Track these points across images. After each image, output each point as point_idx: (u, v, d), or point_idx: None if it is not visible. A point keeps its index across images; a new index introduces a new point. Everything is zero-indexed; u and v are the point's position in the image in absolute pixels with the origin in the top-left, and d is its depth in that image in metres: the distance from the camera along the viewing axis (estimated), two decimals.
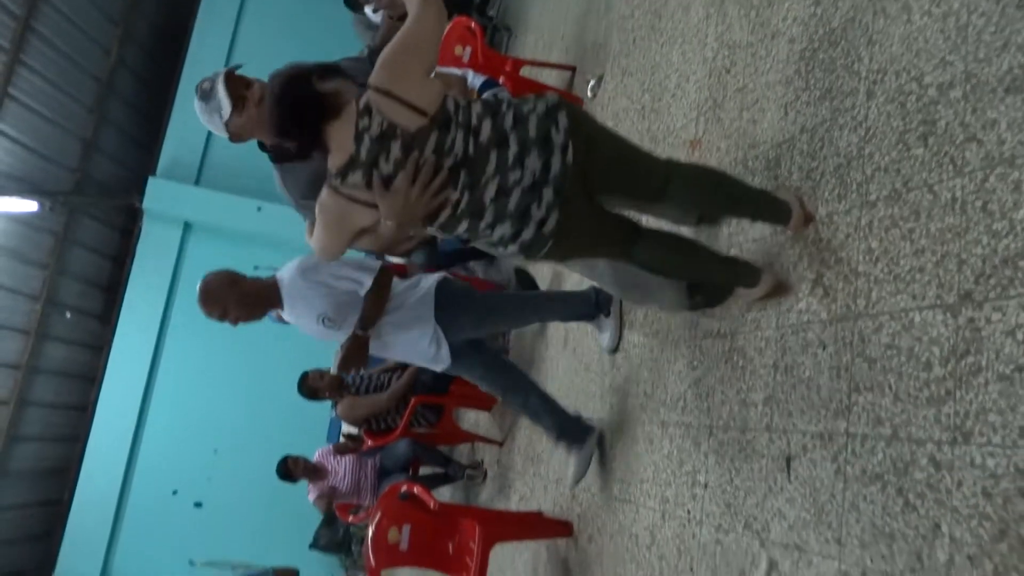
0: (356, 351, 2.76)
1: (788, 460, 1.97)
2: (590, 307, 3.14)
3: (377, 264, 2.83)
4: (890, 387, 1.69)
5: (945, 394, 1.55)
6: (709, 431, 2.36)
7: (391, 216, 1.84)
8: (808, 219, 2.07)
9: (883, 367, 1.72)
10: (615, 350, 3.12)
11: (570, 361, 3.68)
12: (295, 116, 1.84)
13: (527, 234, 1.90)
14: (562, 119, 1.87)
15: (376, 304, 2.76)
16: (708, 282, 2.40)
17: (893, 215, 1.79)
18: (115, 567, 8.18)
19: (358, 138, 1.80)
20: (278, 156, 2.23)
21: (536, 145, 1.85)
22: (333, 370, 3.31)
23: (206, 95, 2.13)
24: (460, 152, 1.84)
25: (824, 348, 1.92)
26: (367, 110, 1.81)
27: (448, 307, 2.85)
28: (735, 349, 2.31)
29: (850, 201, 1.94)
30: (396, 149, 1.81)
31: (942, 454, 1.53)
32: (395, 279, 2.89)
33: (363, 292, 2.74)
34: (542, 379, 3.99)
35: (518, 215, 1.87)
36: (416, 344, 2.88)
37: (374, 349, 2.87)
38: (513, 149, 1.85)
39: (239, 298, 2.66)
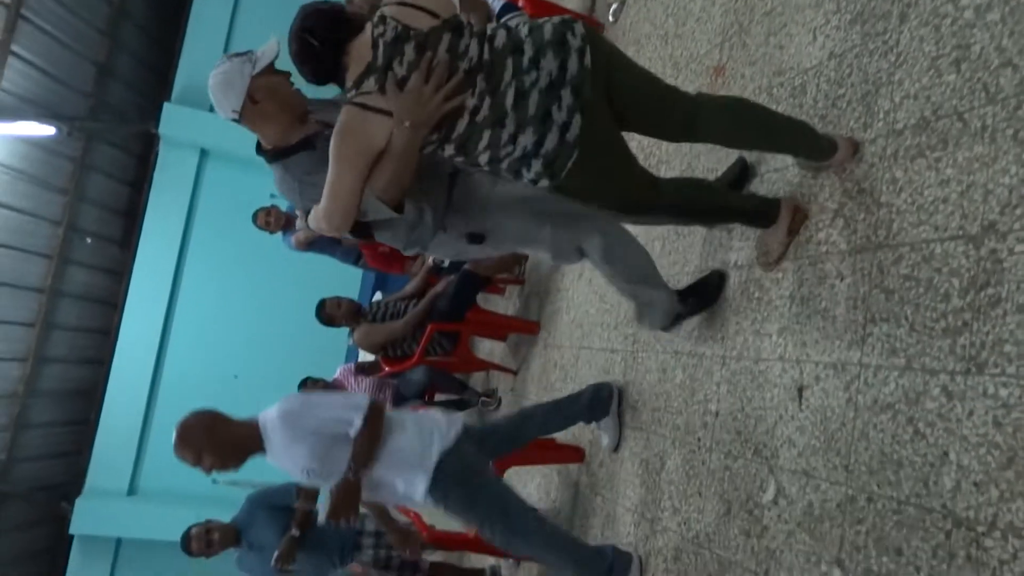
0: (347, 497, 2.43)
1: (800, 390, 1.99)
2: (587, 412, 2.98)
3: (366, 402, 2.50)
4: (906, 318, 1.69)
5: (962, 325, 1.55)
6: (723, 361, 2.38)
7: (405, 115, 1.80)
8: (854, 151, 1.95)
9: (900, 298, 1.71)
10: (616, 449, 3.00)
11: (586, 293, 3.70)
12: (326, 29, 1.84)
13: (550, 141, 1.84)
14: (578, 28, 1.85)
15: (368, 445, 2.43)
16: (700, 282, 2.47)
17: (920, 144, 1.75)
18: (142, 483, 8.50)
19: (374, 45, 1.81)
20: (276, 155, 2.18)
21: (551, 47, 1.82)
22: (321, 519, 3.11)
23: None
24: (475, 57, 1.82)
25: (842, 279, 1.91)
26: (382, 19, 1.83)
27: (447, 477, 2.46)
28: (751, 280, 2.31)
29: (876, 130, 1.90)
30: (409, 51, 1.81)
31: (955, 384, 1.54)
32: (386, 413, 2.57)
33: (353, 433, 2.42)
34: (558, 308, 4.02)
35: (539, 118, 1.82)
36: (410, 486, 2.50)
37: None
38: (528, 52, 1.82)
39: (215, 446, 2.48)
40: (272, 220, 5.12)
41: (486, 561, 4.23)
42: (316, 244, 5.02)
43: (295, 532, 3.84)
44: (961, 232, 1.59)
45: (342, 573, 3.11)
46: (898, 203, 1.78)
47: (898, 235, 1.76)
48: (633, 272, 2.36)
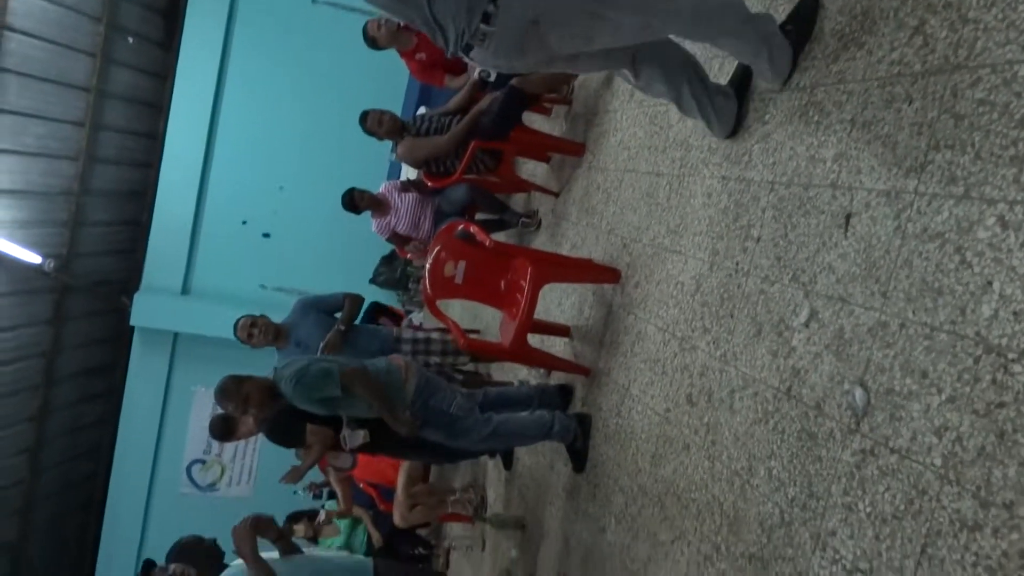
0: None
1: (848, 217, 1.96)
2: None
3: None
4: (973, 145, 1.62)
5: None
6: (771, 186, 2.33)
7: None
8: None
9: (970, 124, 1.63)
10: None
11: (635, 114, 3.59)
12: None
13: None
14: None
15: None
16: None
17: None
18: (194, 284, 8.96)
19: None
20: None
21: None
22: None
23: None
24: None
25: (910, 103, 1.82)
26: None
27: None
28: (812, 104, 2.21)
29: None
30: None
31: (1012, 214, 1.50)
32: None
33: None
34: (605, 130, 3.93)
35: None
36: None
37: None
38: None
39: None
40: None
41: (517, 374, 4.47)
42: None
43: (341, 327, 4.08)
44: None
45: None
46: (987, 19, 1.64)
47: (980, 55, 1.65)
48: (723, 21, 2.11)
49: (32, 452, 7.77)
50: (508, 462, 4.38)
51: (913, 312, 1.69)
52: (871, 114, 1.95)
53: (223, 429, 3.61)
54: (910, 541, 1.59)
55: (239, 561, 2.88)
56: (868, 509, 1.72)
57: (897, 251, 1.77)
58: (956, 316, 1.58)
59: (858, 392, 1.80)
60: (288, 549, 3.04)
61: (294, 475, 3.67)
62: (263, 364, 3.76)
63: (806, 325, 2.04)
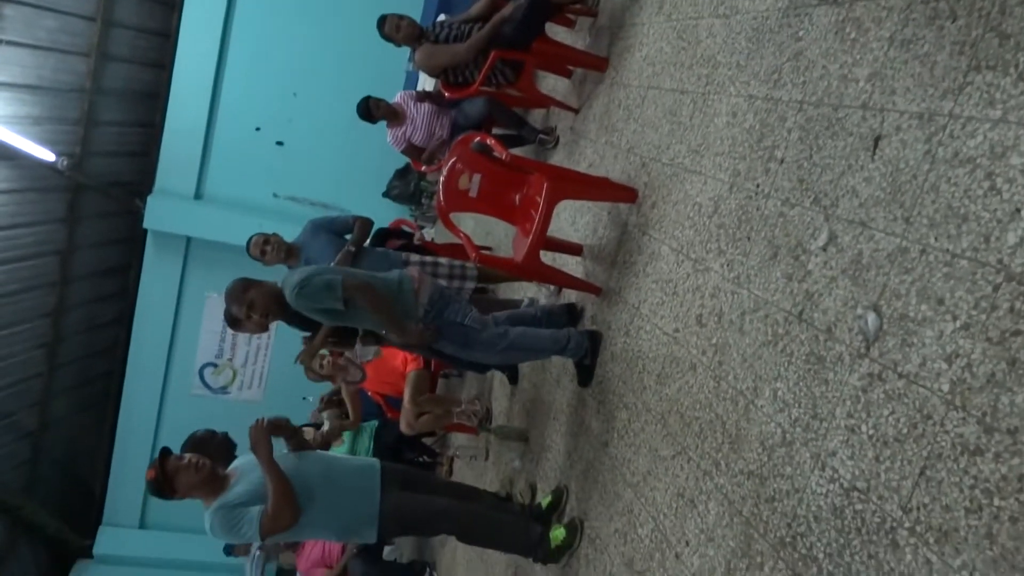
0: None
1: (877, 139, 1.91)
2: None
3: None
4: (1016, 67, 1.55)
5: None
6: (799, 106, 2.27)
7: None
8: None
9: (1016, 43, 1.56)
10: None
11: (663, 27, 3.46)
12: None
13: None
14: None
15: None
16: None
17: None
18: (207, 189, 8.93)
19: None
20: None
21: None
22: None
23: None
24: None
25: (955, 20, 1.74)
26: None
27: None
28: (850, 19, 2.12)
29: None
30: None
31: None
32: None
33: None
34: (630, 44, 3.81)
35: None
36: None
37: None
38: None
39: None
40: None
41: (526, 293, 4.48)
42: None
43: (351, 248, 4.08)
44: None
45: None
46: None
47: None
48: None
49: (50, 347, 7.94)
50: (514, 378, 4.45)
51: (935, 238, 1.67)
52: (911, 32, 1.87)
53: (232, 320, 3.68)
54: (910, 463, 1.61)
55: (250, 455, 2.97)
56: (871, 432, 1.74)
57: (925, 175, 1.73)
58: (979, 243, 1.55)
59: (871, 317, 1.79)
60: (300, 447, 3.13)
61: (307, 353, 3.75)
62: (275, 276, 3.77)
63: (824, 249, 2.02)
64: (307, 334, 3.89)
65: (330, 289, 3.03)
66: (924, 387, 1.62)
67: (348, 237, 4.17)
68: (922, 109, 1.78)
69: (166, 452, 2.91)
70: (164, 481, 2.82)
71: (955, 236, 1.61)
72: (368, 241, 4.31)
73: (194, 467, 2.84)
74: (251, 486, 2.90)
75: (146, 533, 9.49)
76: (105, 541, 9.25)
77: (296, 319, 3.61)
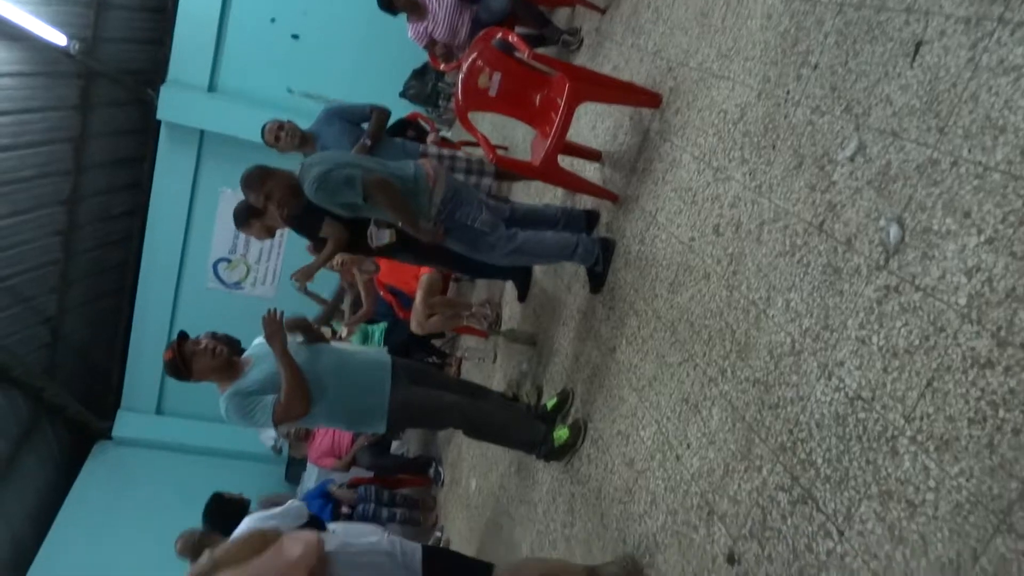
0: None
1: (918, 45, 1.83)
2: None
3: None
4: None
5: None
6: (839, 8, 2.17)
7: None
8: None
9: None
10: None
11: None
12: None
13: None
14: None
15: None
16: None
17: None
18: (221, 81, 8.75)
19: None
20: None
21: None
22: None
23: None
24: None
25: None
26: None
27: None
28: None
29: None
30: None
31: None
32: None
33: None
34: None
35: None
36: None
37: None
38: None
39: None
40: None
41: (542, 198, 4.43)
42: None
43: (367, 141, 4.02)
44: None
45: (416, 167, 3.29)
46: None
47: None
48: None
49: (65, 235, 8.00)
50: (523, 293, 4.45)
51: (969, 150, 1.62)
52: None
53: (243, 217, 3.67)
54: (917, 375, 1.63)
55: (260, 339, 3.03)
56: (881, 343, 1.74)
57: (965, 84, 1.67)
58: (1015, 156, 1.51)
59: (893, 229, 1.77)
60: (315, 339, 3.18)
61: (304, 272, 3.77)
62: (290, 165, 3.74)
63: (851, 159, 1.98)
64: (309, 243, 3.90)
65: (350, 183, 3.02)
66: (941, 300, 1.61)
67: (364, 126, 4.10)
68: (970, 13, 1.70)
69: (183, 336, 2.96)
70: (181, 363, 2.89)
71: (990, 148, 1.57)
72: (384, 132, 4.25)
73: (211, 352, 2.90)
74: (265, 374, 2.97)
75: (162, 419, 9.82)
76: (123, 425, 9.60)
77: (297, 223, 3.61)
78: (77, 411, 8.99)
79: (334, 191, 3.05)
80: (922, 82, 1.79)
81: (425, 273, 4.99)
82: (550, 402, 3.51)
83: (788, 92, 2.33)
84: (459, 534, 4.91)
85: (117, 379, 9.75)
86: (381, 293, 5.48)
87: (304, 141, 4.14)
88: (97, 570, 7.80)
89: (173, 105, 8.42)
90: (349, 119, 4.17)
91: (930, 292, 1.64)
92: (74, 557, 7.87)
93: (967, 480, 1.45)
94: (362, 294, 5.42)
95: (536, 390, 3.86)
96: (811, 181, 2.12)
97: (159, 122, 8.63)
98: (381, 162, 3.26)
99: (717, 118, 2.74)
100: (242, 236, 9.41)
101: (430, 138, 5.34)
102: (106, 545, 8.05)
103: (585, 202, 3.82)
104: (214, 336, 3.05)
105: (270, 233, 3.76)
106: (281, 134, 4.11)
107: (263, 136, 4.18)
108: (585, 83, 3.33)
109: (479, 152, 4.12)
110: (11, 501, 7.75)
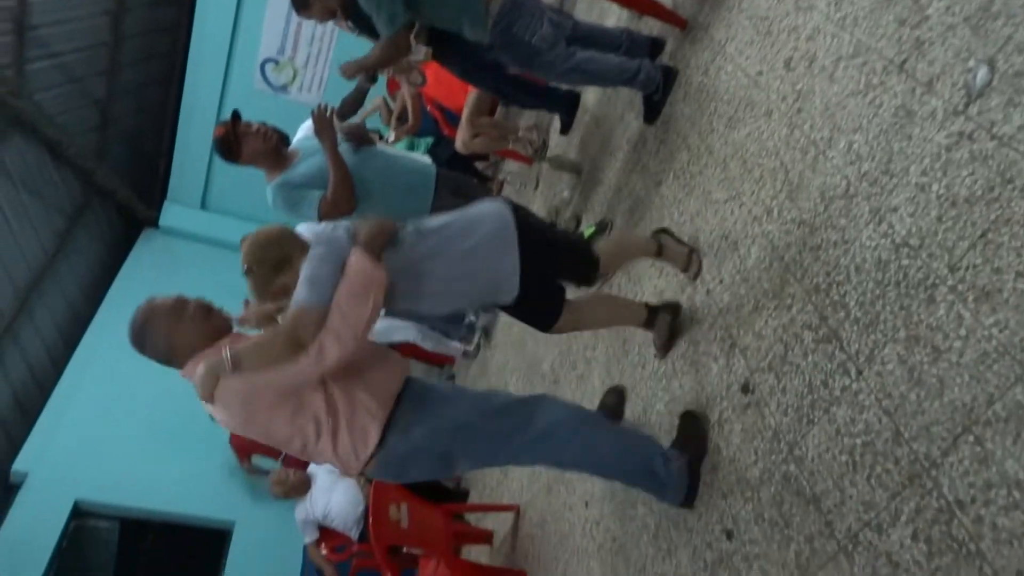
0: None
1: None
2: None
3: None
4: None
5: None
6: None
7: None
8: None
9: None
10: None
11: None
12: None
13: None
14: None
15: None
16: None
17: None
18: None
19: None
20: None
21: None
22: None
23: None
24: None
25: None
26: None
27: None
28: None
29: None
30: None
31: None
32: None
33: None
34: None
35: None
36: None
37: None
38: None
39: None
40: None
41: (605, 21, 4.18)
42: None
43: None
44: None
45: None
46: None
47: None
48: None
49: (114, 15, 7.85)
50: (567, 125, 4.29)
51: None
52: None
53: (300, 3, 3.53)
54: (972, 225, 1.59)
55: (305, 134, 3.03)
56: (942, 191, 1.69)
57: None
58: None
59: (982, 71, 1.65)
60: (363, 143, 3.17)
61: (355, 64, 3.67)
62: None
63: None
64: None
65: None
66: (1016, 150, 1.53)
67: None
68: None
69: (237, 115, 2.96)
70: (234, 139, 2.91)
71: None
72: None
73: (263, 136, 2.91)
74: (313, 168, 2.99)
75: (207, 214, 10.10)
76: (169, 216, 9.91)
77: (355, 11, 3.46)
78: (126, 196, 9.25)
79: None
80: None
81: (473, 91, 4.85)
82: (588, 230, 3.53)
83: None
84: None
85: (163, 171, 9.93)
86: (428, 108, 5.38)
87: None
88: None
89: None
90: None
91: (1006, 142, 1.56)
92: (121, 336, 8.42)
93: (1000, 331, 1.45)
94: (408, 107, 5.33)
95: (575, 219, 3.87)
96: (902, 15, 1.97)
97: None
98: None
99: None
100: (291, 38, 9.17)
101: None
102: None
103: (651, 27, 3.61)
104: (265, 124, 3.05)
105: (332, 14, 3.63)
106: None
107: None
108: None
109: None
110: (65, 273, 8.21)
